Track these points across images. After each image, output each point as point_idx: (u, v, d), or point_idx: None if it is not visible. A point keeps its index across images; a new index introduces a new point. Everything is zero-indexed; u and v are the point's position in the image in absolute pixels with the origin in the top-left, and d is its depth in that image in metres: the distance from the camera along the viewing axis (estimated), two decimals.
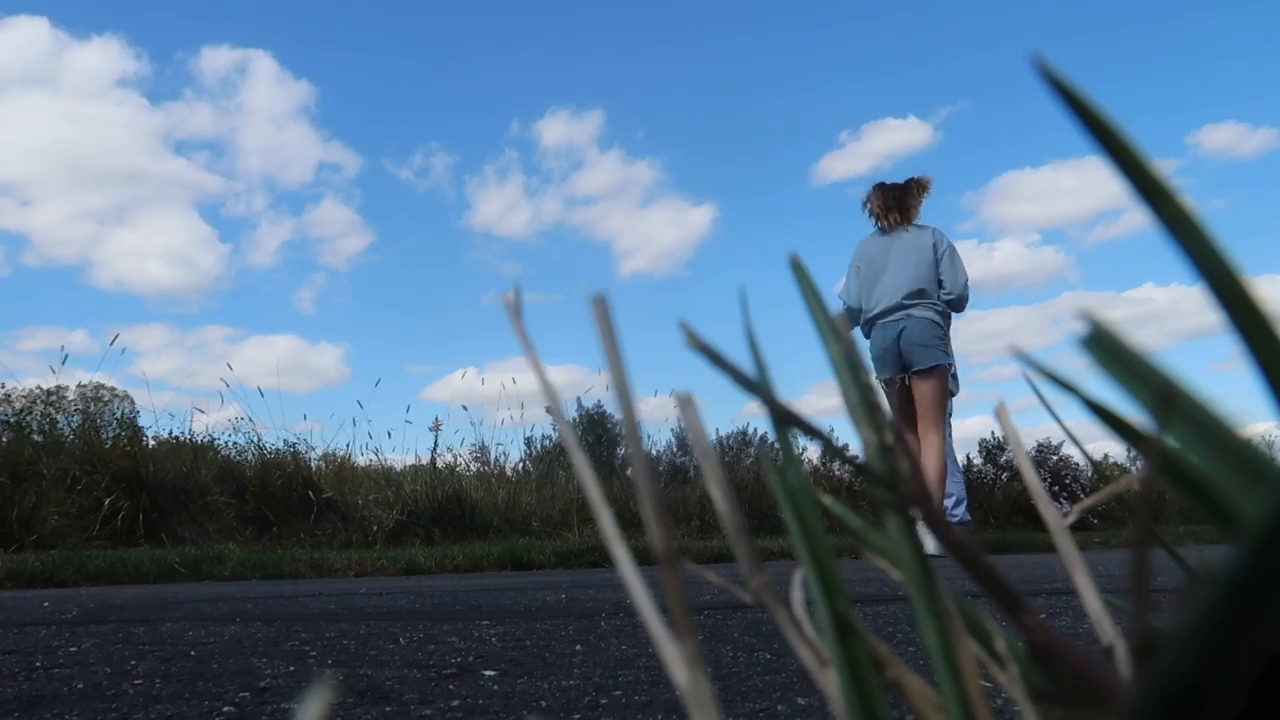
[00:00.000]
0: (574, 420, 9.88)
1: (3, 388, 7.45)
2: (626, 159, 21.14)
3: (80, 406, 8.10)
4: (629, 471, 8.54)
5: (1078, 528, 8.73)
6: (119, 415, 8.28)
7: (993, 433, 10.52)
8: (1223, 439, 0.22)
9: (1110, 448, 10.88)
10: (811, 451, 9.30)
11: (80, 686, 1.47)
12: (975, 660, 0.26)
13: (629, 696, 1.35)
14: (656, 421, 10.41)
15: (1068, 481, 10.48)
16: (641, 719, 1.22)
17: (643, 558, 0.73)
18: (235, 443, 7.90)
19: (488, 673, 1.57)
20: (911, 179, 5.54)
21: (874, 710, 0.26)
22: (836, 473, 9.20)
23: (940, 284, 5.29)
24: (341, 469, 8.29)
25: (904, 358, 5.23)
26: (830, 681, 0.27)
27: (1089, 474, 10.26)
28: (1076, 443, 0.36)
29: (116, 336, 7.53)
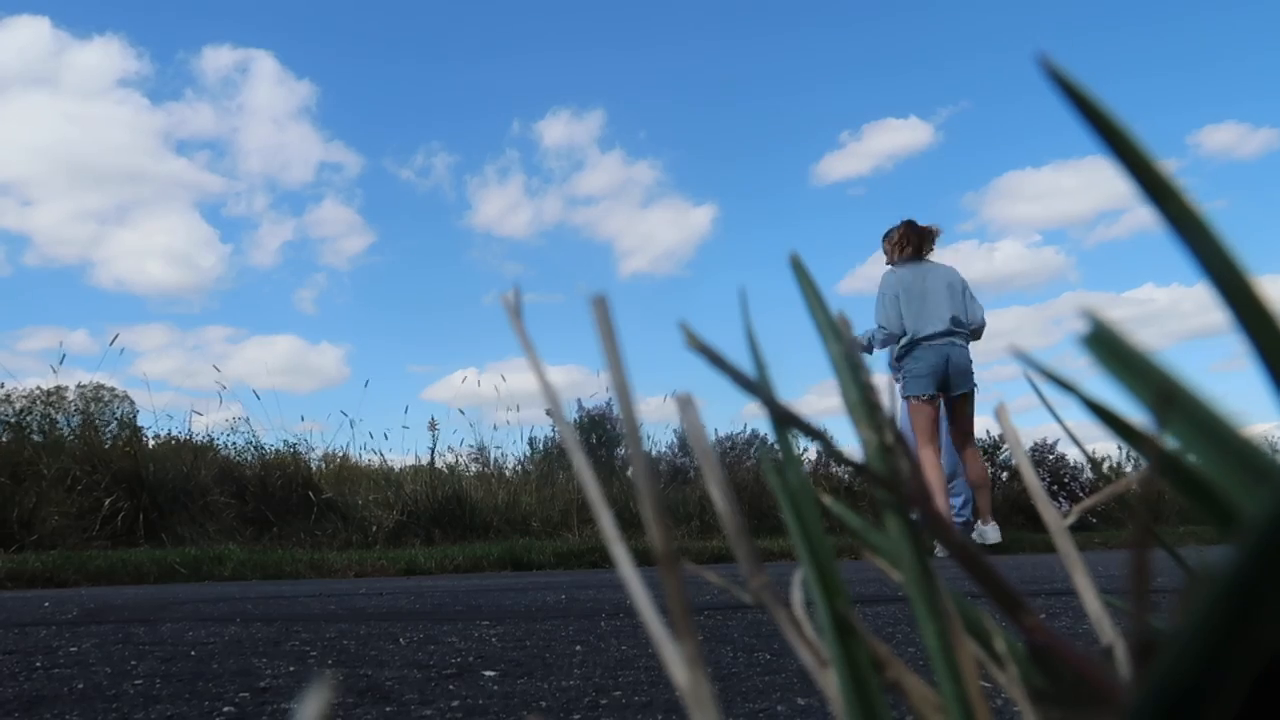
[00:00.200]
0: (574, 421, 9.89)
1: (3, 388, 7.46)
2: (627, 159, 21.13)
3: (80, 407, 8.10)
4: (629, 472, 8.54)
5: (1077, 528, 8.73)
6: (119, 415, 8.28)
7: (987, 431, 10.52)
8: (1223, 439, 0.22)
9: (1110, 448, 10.88)
10: (811, 452, 9.31)
11: (80, 687, 1.47)
12: (975, 660, 0.26)
13: (629, 697, 1.35)
14: (657, 422, 10.41)
15: (1067, 481, 10.48)
16: (641, 719, 1.22)
17: (643, 558, 0.73)
18: (235, 443, 7.90)
19: (488, 673, 1.57)
20: (931, 226, 6.12)
21: (874, 711, 0.26)
22: (836, 473, 9.20)
23: (966, 315, 5.97)
24: (341, 469, 8.29)
25: (950, 380, 5.83)
26: (830, 682, 0.27)
27: (1088, 474, 10.26)
28: (1077, 443, 0.36)
29: (116, 336, 7.53)
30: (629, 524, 6.53)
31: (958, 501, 6.87)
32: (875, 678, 0.27)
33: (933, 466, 5.79)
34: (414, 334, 18.07)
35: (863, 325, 6.95)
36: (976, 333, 6.03)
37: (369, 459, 8.68)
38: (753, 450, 10.07)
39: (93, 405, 8.47)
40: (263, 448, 7.77)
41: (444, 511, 7.36)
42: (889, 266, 6.15)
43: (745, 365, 0.28)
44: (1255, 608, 0.15)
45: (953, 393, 5.86)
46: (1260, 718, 0.17)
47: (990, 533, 6.16)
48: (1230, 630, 0.15)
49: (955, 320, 5.84)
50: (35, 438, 6.80)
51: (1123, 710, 0.17)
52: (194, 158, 19.26)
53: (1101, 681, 0.23)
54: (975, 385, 5.96)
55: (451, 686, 1.45)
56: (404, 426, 12.79)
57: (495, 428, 15.56)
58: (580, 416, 10.15)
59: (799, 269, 0.33)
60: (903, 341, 5.90)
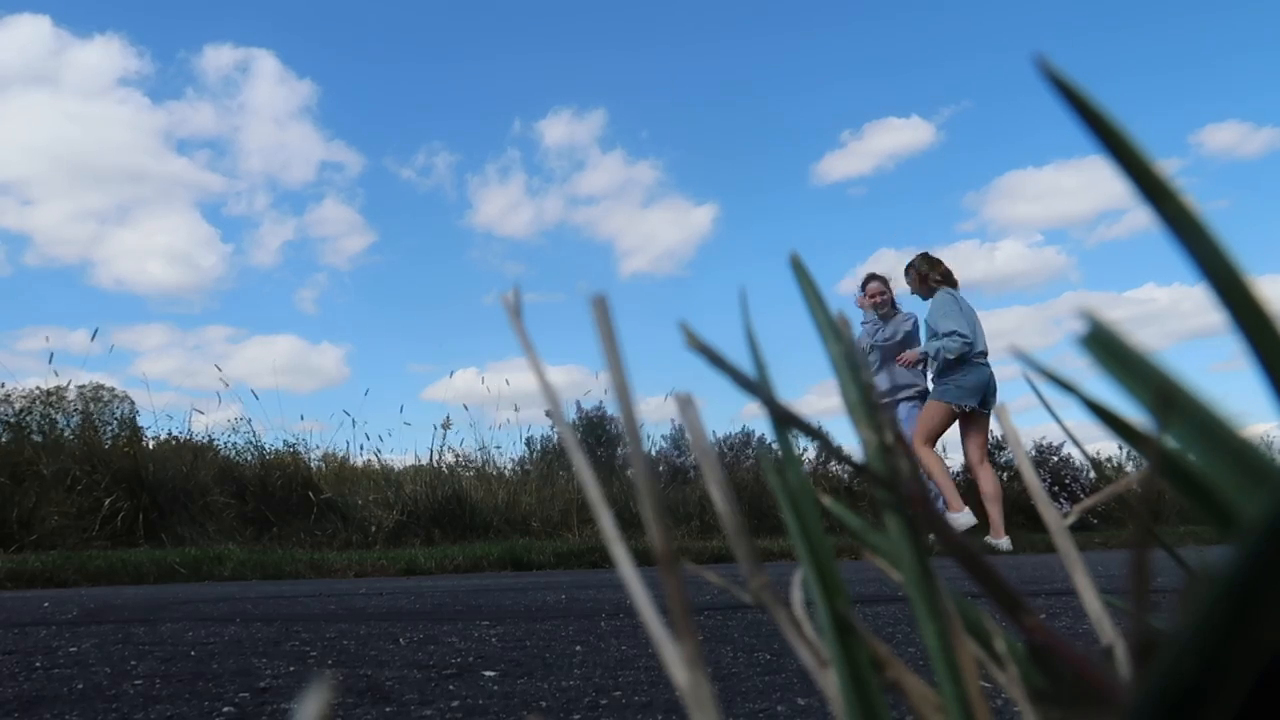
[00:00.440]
0: (574, 421, 9.89)
1: (2, 388, 7.45)
2: (628, 159, 21.13)
3: (80, 407, 8.10)
4: (629, 472, 8.54)
5: (1077, 528, 8.74)
6: (119, 415, 8.28)
7: (990, 433, 10.51)
8: (1223, 439, 0.22)
9: (1111, 448, 10.88)
10: (811, 452, 9.31)
11: (80, 687, 1.47)
12: (975, 660, 0.26)
13: (629, 697, 1.35)
14: (657, 422, 10.40)
15: (1068, 483, 10.48)
16: (641, 719, 1.22)
17: (643, 558, 0.73)
18: (235, 443, 7.90)
19: (488, 673, 1.57)
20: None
21: (874, 710, 0.26)
22: (836, 473, 9.20)
23: None
24: (341, 469, 8.29)
25: (987, 398, 6.50)
26: (830, 682, 0.27)
27: (1089, 474, 10.26)
28: (1076, 443, 0.36)
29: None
30: (629, 524, 6.53)
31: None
32: (875, 678, 0.27)
33: (937, 461, 6.20)
34: (414, 334, 18.07)
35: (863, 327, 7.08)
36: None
37: (369, 459, 8.69)
38: (752, 450, 10.08)
39: (92, 405, 8.47)
40: (263, 448, 7.77)
41: (444, 511, 7.36)
42: (942, 290, 6.61)
43: (745, 365, 0.28)
44: (1255, 608, 0.15)
45: (987, 410, 6.49)
46: (1260, 718, 0.17)
47: (1003, 546, 6.46)
48: (1230, 630, 0.15)
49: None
50: (35, 438, 6.80)
51: (1123, 710, 0.17)
52: (194, 157, 19.26)
53: (1101, 681, 0.23)
54: None
55: (451, 686, 1.45)
56: (405, 423, 12.78)
57: (496, 427, 15.56)
58: (579, 416, 10.15)
59: (799, 269, 0.33)
60: (959, 352, 6.39)
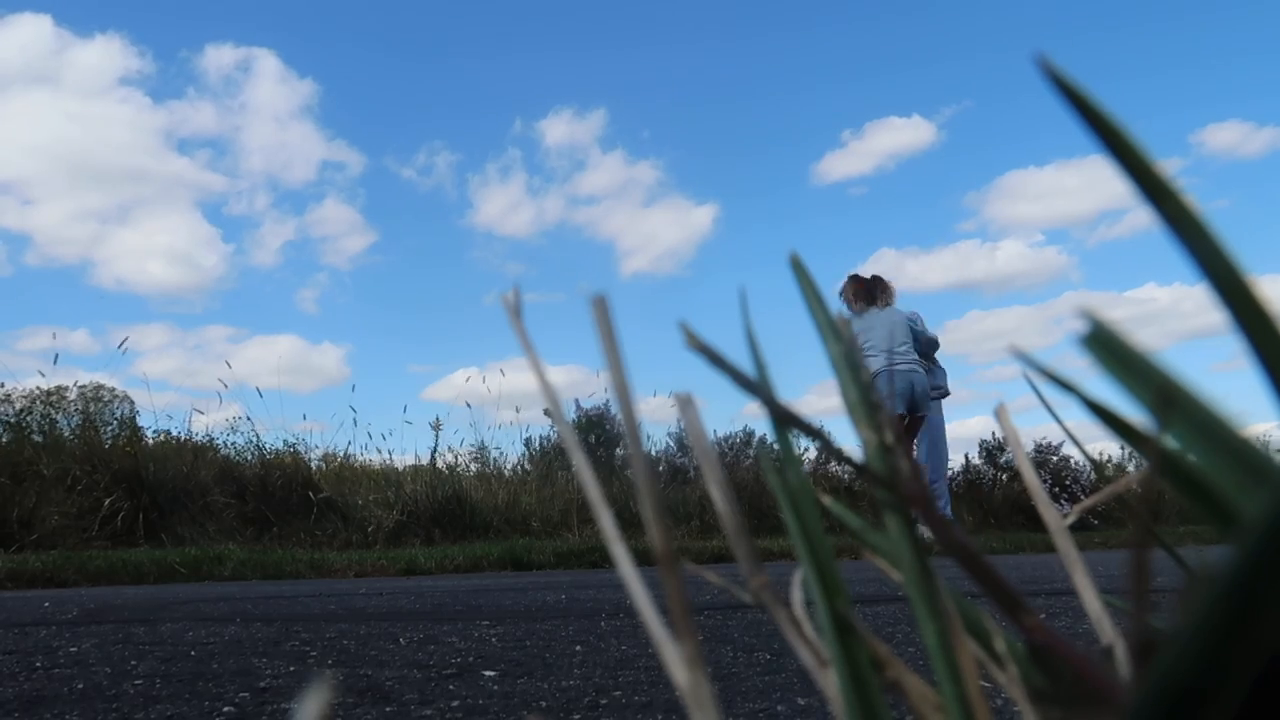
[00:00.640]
0: (573, 421, 9.89)
1: (3, 388, 7.45)
2: (629, 159, 21.11)
3: (80, 407, 8.10)
4: (629, 472, 8.55)
5: (1077, 528, 8.74)
6: (119, 415, 8.27)
7: (994, 433, 10.52)
8: (1223, 439, 0.22)
9: (1110, 448, 10.88)
10: (811, 452, 9.32)
11: (81, 686, 1.47)
12: (975, 660, 0.26)
13: (629, 697, 1.35)
14: (657, 421, 10.40)
15: (1068, 482, 10.48)
16: (641, 719, 1.22)
17: (643, 558, 0.73)
18: (235, 443, 7.90)
19: (488, 673, 1.57)
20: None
21: (874, 710, 0.26)
22: (836, 473, 9.21)
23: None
24: (341, 469, 8.29)
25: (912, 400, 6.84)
26: (830, 681, 0.27)
27: (1089, 474, 10.26)
28: (1076, 443, 0.36)
29: (124, 341, 7.53)
30: (629, 524, 6.53)
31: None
32: (875, 677, 0.27)
33: None
34: (415, 333, 18.06)
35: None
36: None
37: (369, 459, 8.68)
38: (752, 450, 10.08)
39: (93, 405, 8.46)
40: (263, 447, 7.77)
41: (444, 511, 7.36)
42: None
43: (745, 365, 0.28)
44: (1255, 608, 0.15)
45: (914, 413, 6.84)
46: (1260, 718, 0.17)
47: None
48: (1230, 630, 0.15)
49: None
50: (35, 438, 6.80)
51: (1123, 710, 0.17)
52: (195, 157, 19.24)
53: (1101, 681, 0.23)
54: None
55: (451, 686, 1.45)
56: (406, 422, 12.77)
57: (496, 427, 15.58)
58: (578, 416, 10.15)
59: (799, 269, 0.33)
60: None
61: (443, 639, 2.00)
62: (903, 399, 6.69)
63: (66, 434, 7.05)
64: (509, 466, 9.09)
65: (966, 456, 10.54)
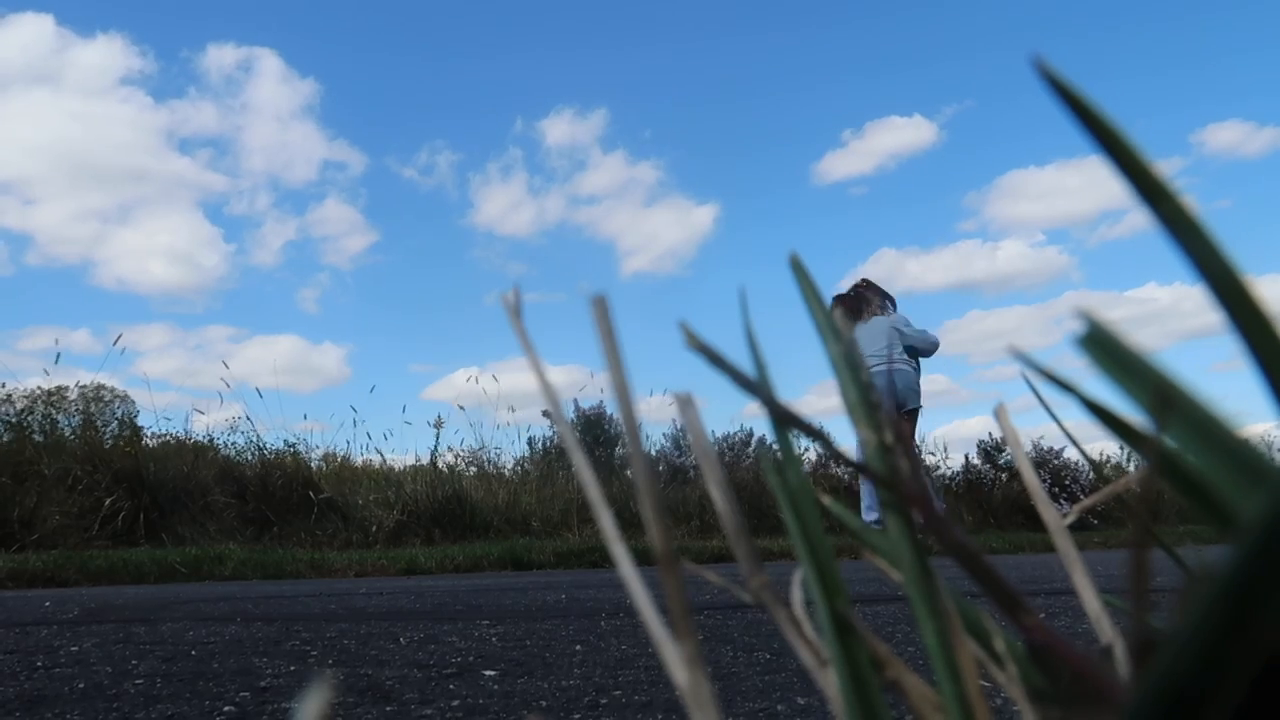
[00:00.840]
0: (573, 421, 9.89)
1: (3, 388, 7.45)
2: (630, 158, 21.10)
3: (81, 407, 8.10)
4: (629, 472, 8.55)
5: (1077, 528, 8.74)
6: (119, 415, 8.28)
7: (990, 434, 10.52)
8: (1221, 439, 0.22)
9: (1111, 448, 10.88)
10: (811, 452, 9.32)
11: (81, 686, 1.47)
12: (975, 660, 0.26)
13: (629, 696, 1.35)
14: (657, 421, 10.40)
15: (1067, 482, 10.48)
16: (641, 719, 1.22)
17: (643, 558, 0.73)
18: (235, 443, 7.90)
19: (488, 672, 1.57)
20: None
21: (874, 710, 0.26)
22: (836, 473, 9.21)
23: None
24: (342, 469, 8.29)
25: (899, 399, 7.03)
26: (830, 681, 0.27)
27: (1088, 474, 10.26)
28: (1075, 443, 0.36)
29: (119, 337, 7.54)
30: (629, 524, 6.53)
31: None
32: (875, 677, 0.27)
33: None
34: (416, 333, 18.05)
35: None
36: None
37: (369, 459, 8.68)
38: (752, 450, 10.08)
39: (93, 405, 8.47)
40: (263, 447, 7.77)
41: (444, 511, 7.36)
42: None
43: (745, 365, 0.28)
44: (1254, 608, 0.15)
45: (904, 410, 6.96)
46: (1260, 718, 0.17)
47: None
48: (1229, 630, 0.15)
49: None
50: (36, 437, 6.80)
51: (1122, 710, 0.17)
52: (196, 156, 19.23)
53: (1101, 681, 0.23)
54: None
55: (452, 686, 1.45)
56: (406, 423, 12.78)
57: (496, 427, 15.58)
58: (578, 416, 10.15)
59: (799, 269, 0.33)
60: None
61: (443, 639, 2.00)
62: (886, 396, 6.77)
63: (67, 434, 7.05)
64: (509, 466, 9.10)
65: (966, 456, 10.55)
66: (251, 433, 7.91)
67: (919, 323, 7.22)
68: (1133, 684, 0.21)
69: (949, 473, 10.26)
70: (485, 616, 2.48)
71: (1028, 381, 0.30)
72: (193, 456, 7.34)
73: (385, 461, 8.51)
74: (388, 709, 1.29)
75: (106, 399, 8.88)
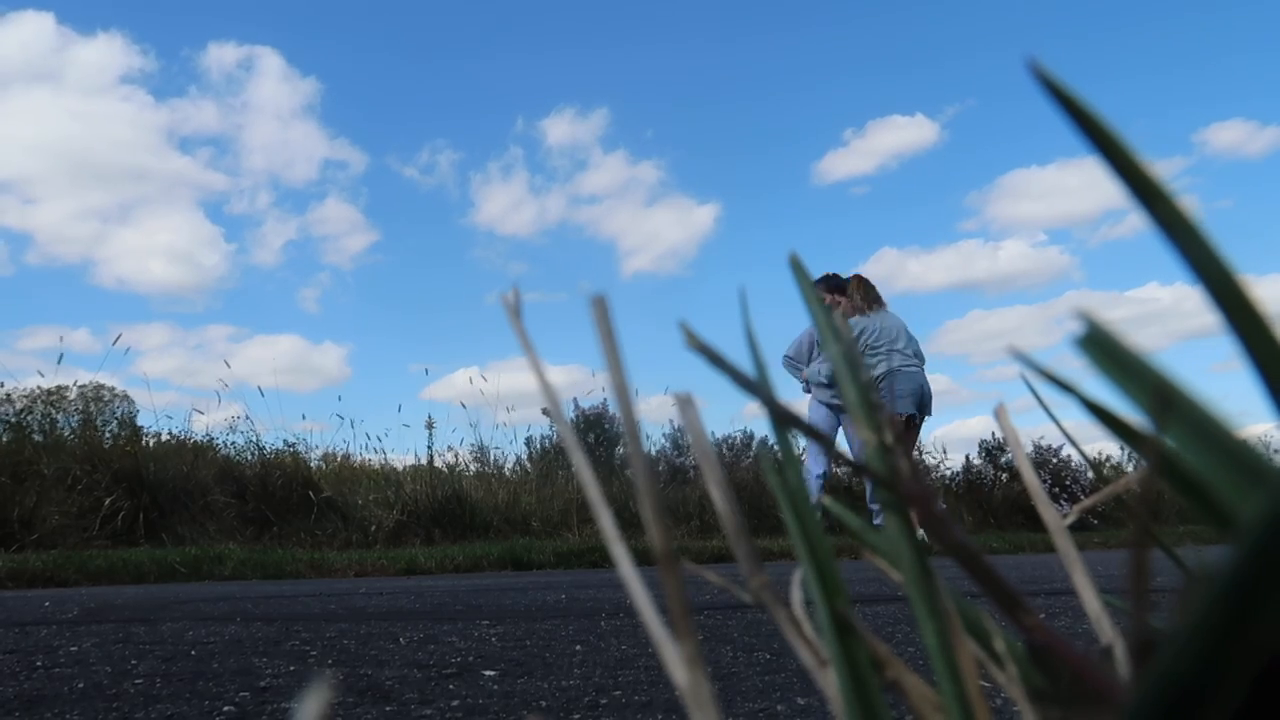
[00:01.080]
0: (572, 421, 9.89)
1: (3, 387, 7.45)
2: (631, 158, 21.12)
3: (80, 406, 8.10)
4: (629, 472, 8.55)
5: (1077, 528, 8.74)
6: (119, 415, 8.27)
7: (993, 434, 10.52)
8: (1221, 440, 0.22)
9: (1112, 448, 10.88)
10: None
11: (81, 686, 1.47)
12: (975, 660, 0.26)
13: (629, 696, 1.35)
14: (657, 421, 10.39)
15: (1068, 483, 10.48)
16: (641, 719, 1.22)
17: (642, 558, 0.73)
18: (235, 442, 7.90)
19: (488, 673, 1.57)
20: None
21: (873, 710, 0.26)
22: (836, 472, 9.20)
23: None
24: (341, 469, 8.29)
25: (923, 401, 6.84)
26: (830, 681, 0.27)
27: (1088, 474, 10.25)
28: (1074, 443, 0.36)
29: (119, 337, 7.54)
30: (629, 524, 6.53)
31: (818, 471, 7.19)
32: (875, 677, 0.27)
33: None
34: (416, 333, 18.07)
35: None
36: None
37: (369, 458, 8.68)
38: (752, 450, 10.08)
39: (93, 405, 8.47)
40: (263, 447, 7.77)
41: (444, 511, 7.36)
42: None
43: (745, 365, 0.28)
44: (1253, 608, 0.15)
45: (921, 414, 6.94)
46: (1260, 718, 0.17)
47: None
48: (1229, 630, 0.15)
49: None
50: (36, 437, 6.80)
51: (1122, 710, 0.17)
52: (197, 155, 19.24)
53: (1101, 681, 0.23)
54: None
55: (451, 686, 1.45)
56: (404, 425, 12.77)
57: (496, 427, 15.58)
58: (578, 415, 10.15)
59: (798, 269, 0.33)
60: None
61: (443, 639, 2.00)
62: (912, 399, 6.67)
63: (67, 434, 7.05)
64: (509, 466, 9.10)
65: (967, 457, 10.55)
66: (251, 432, 7.91)
67: (918, 323, 7.18)
68: (1133, 684, 0.21)
69: (949, 473, 10.26)
70: (485, 616, 2.48)
71: (1027, 382, 0.30)
72: (192, 456, 7.34)
73: (385, 461, 8.52)
74: (387, 709, 1.29)
75: (106, 399, 8.89)
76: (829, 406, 7.18)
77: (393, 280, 19.46)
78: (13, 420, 6.90)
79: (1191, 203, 0.20)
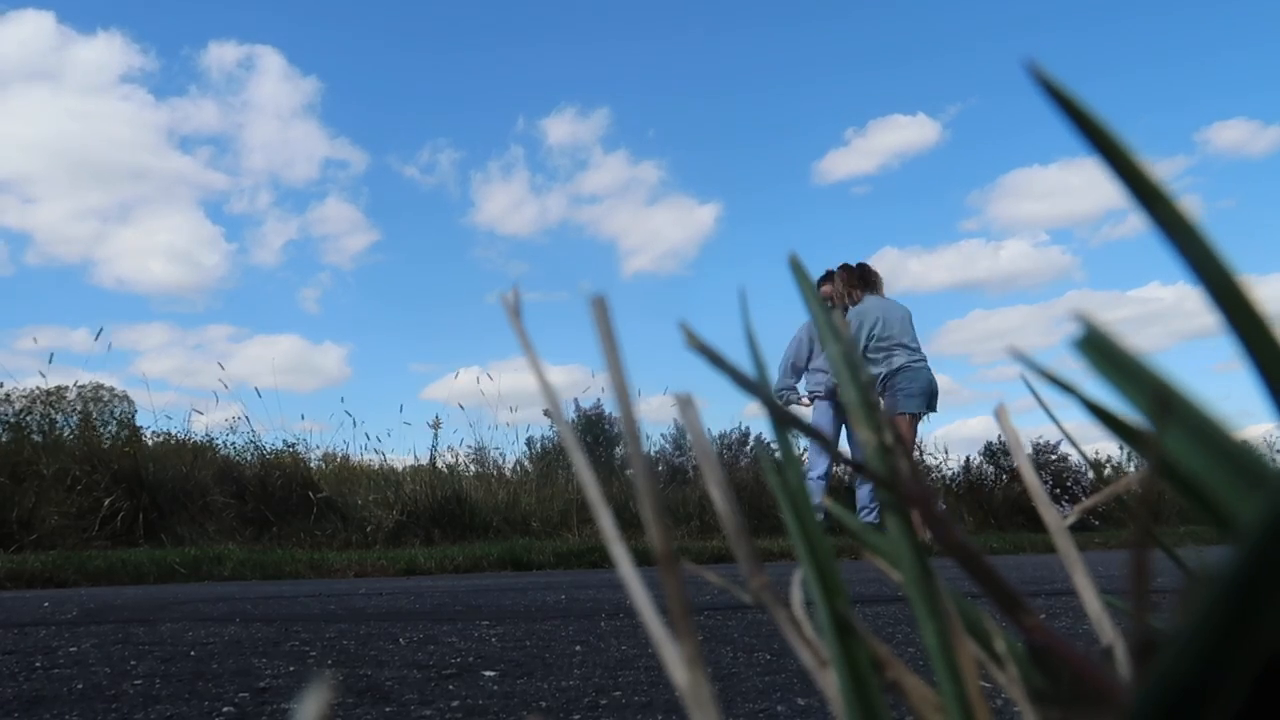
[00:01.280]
0: (572, 421, 9.89)
1: (2, 387, 7.45)
2: (632, 157, 21.09)
3: (79, 406, 8.09)
4: (629, 472, 8.55)
5: (1077, 528, 8.74)
6: (118, 415, 8.27)
7: (998, 437, 10.52)
8: (1220, 441, 0.22)
9: (1112, 448, 10.88)
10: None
11: (80, 687, 1.47)
12: (975, 660, 0.26)
13: (629, 697, 1.35)
14: (657, 421, 10.40)
15: (1068, 483, 10.48)
16: (641, 719, 1.22)
17: (642, 558, 0.74)
18: (235, 443, 7.90)
19: (488, 673, 1.57)
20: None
21: (874, 711, 0.26)
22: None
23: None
24: (341, 469, 8.29)
25: (931, 399, 6.77)
26: (830, 682, 0.27)
27: (1088, 475, 10.26)
28: (1074, 444, 0.36)
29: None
30: (629, 524, 6.53)
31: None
32: (875, 678, 0.27)
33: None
34: (417, 333, 18.04)
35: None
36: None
37: (369, 459, 8.68)
38: (752, 450, 10.08)
39: (92, 405, 8.46)
40: (262, 447, 7.77)
41: (444, 511, 7.36)
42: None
43: (745, 365, 0.28)
44: (1254, 608, 0.15)
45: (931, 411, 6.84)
46: (1260, 718, 0.17)
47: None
48: (1229, 631, 0.15)
49: None
50: (35, 438, 6.80)
51: (1123, 710, 0.17)
52: (197, 154, 19.22)
53: (1101, 681, 0.23)
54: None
55: (451, 686, 1.45)
56: (405, 423, 12.77)
57: (496, 427, 15.59)
58: (577, 415, 10.15)
59: (798, 269, 0.33)
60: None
61: (443, 639, 2.00)
62: (922, 399, 6.56)
63: (66, 434, 7.05)
64: (509, 466, 9.10)
65: (968, 457, 10.55)
66: (251, 433, 7.91)
67: (919, 323, 7.11)
68: (1133, 685, 0.21)
69: (950, 473, 10.26)
70: (485, 617, 2.48)
71: (1027, 383, 0.30)
72: (192, 456, 7.34)
73: (385, 461, 8.52)
74: (387, 709, 1.29)
75: (105, 399, 8.88)
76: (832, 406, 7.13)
77: (393, 280, 19.44)
78: (12, 420, 6.90)
79: (1193, 202, 0.20)
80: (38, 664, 1.69)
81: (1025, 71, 0.21)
